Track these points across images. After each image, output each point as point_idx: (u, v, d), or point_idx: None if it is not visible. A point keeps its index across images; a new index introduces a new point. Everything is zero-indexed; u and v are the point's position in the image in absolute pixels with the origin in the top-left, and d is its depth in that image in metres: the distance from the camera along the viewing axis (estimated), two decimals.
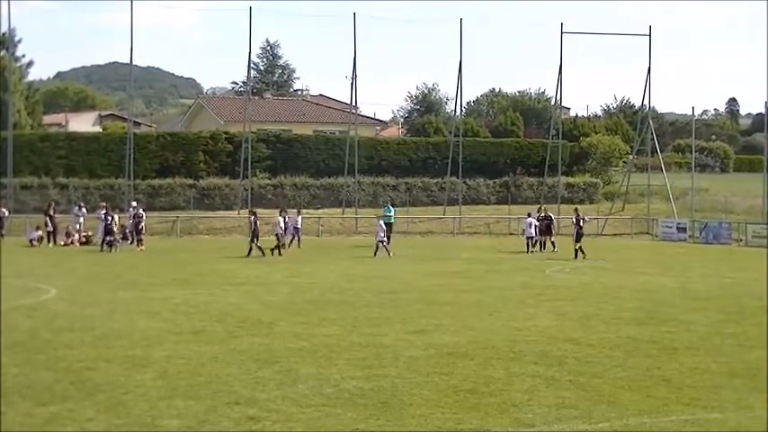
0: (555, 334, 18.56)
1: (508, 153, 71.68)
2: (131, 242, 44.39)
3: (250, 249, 38.93)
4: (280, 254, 39.58)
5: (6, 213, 50.64)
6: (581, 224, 41.45)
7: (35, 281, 28.16)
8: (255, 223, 39.64)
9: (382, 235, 40.72)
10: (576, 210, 44.90)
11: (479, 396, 12.95)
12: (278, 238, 40.93)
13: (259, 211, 55.06)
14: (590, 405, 12.52)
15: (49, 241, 45.87)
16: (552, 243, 44.21)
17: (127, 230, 45.76)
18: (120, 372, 14.36)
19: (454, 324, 19.83)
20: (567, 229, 49.61)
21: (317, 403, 12.39)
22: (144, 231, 43.78)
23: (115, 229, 43.56)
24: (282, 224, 42.33)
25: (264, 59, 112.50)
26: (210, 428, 11.18)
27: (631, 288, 28.32)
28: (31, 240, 45.74)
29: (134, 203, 48.48)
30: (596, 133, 79.79)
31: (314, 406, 12.25)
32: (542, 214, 45.94)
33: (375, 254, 39.80)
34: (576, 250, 40.46)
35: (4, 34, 70.28)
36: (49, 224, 46.34)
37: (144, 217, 45.04)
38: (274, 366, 14.87)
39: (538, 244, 44.46)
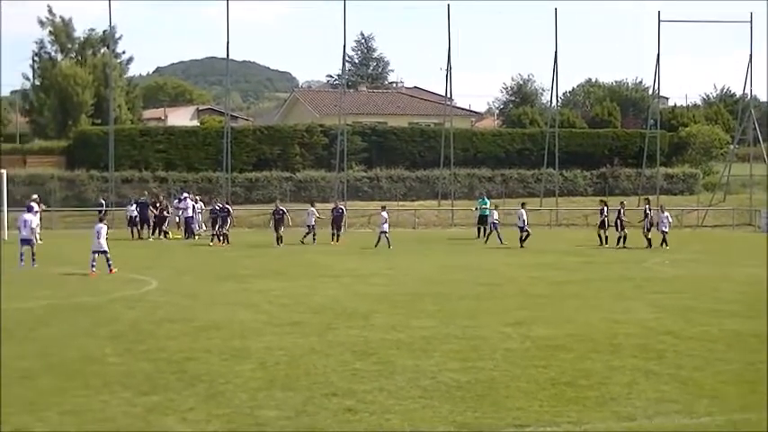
0: (654, 326, 18.33)
1: (605, 144, 70.92)
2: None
3: (278, 238, 41.06)
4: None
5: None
6: (647, 213, 42.32)
7: (137, 273, 28.65)
8: (278, 214, 41.80)
9: (386, 227, 40.42)
10: (646, 200, 45.57)
11: (578, 389, 12.84)
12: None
13: (356, 204, 55.39)
14: (691, 399, 12.35)
15: (152, 233, 46.50)
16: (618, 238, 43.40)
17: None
18: (219, 362, 14.55)
19: (551, 316, 19.71)
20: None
21: (414, 395, 12.40)
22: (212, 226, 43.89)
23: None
24: (497, 217, 43.93)
25: (359, 52, 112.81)
26: (308, 419, 11.26)
27: (732, 280, 27.88)
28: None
29: (185, 195, 49.11)
30: (696, 123, 78.54)
31: (411, 398, 12.26)
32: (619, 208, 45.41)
33: (377, 245, 39.83)
34: (648, 239, 41.24)
35: (105, 31, 71.96)
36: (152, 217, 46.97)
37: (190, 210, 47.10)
38: (371, 358, 14.93)
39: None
